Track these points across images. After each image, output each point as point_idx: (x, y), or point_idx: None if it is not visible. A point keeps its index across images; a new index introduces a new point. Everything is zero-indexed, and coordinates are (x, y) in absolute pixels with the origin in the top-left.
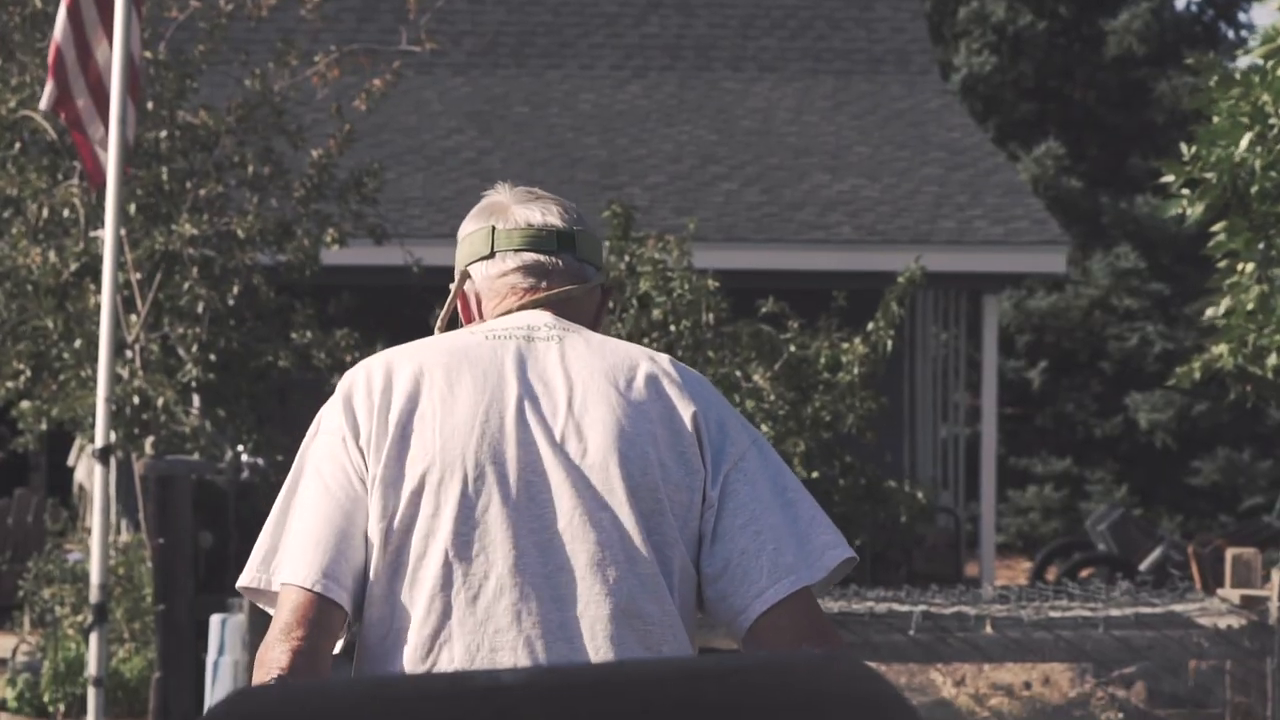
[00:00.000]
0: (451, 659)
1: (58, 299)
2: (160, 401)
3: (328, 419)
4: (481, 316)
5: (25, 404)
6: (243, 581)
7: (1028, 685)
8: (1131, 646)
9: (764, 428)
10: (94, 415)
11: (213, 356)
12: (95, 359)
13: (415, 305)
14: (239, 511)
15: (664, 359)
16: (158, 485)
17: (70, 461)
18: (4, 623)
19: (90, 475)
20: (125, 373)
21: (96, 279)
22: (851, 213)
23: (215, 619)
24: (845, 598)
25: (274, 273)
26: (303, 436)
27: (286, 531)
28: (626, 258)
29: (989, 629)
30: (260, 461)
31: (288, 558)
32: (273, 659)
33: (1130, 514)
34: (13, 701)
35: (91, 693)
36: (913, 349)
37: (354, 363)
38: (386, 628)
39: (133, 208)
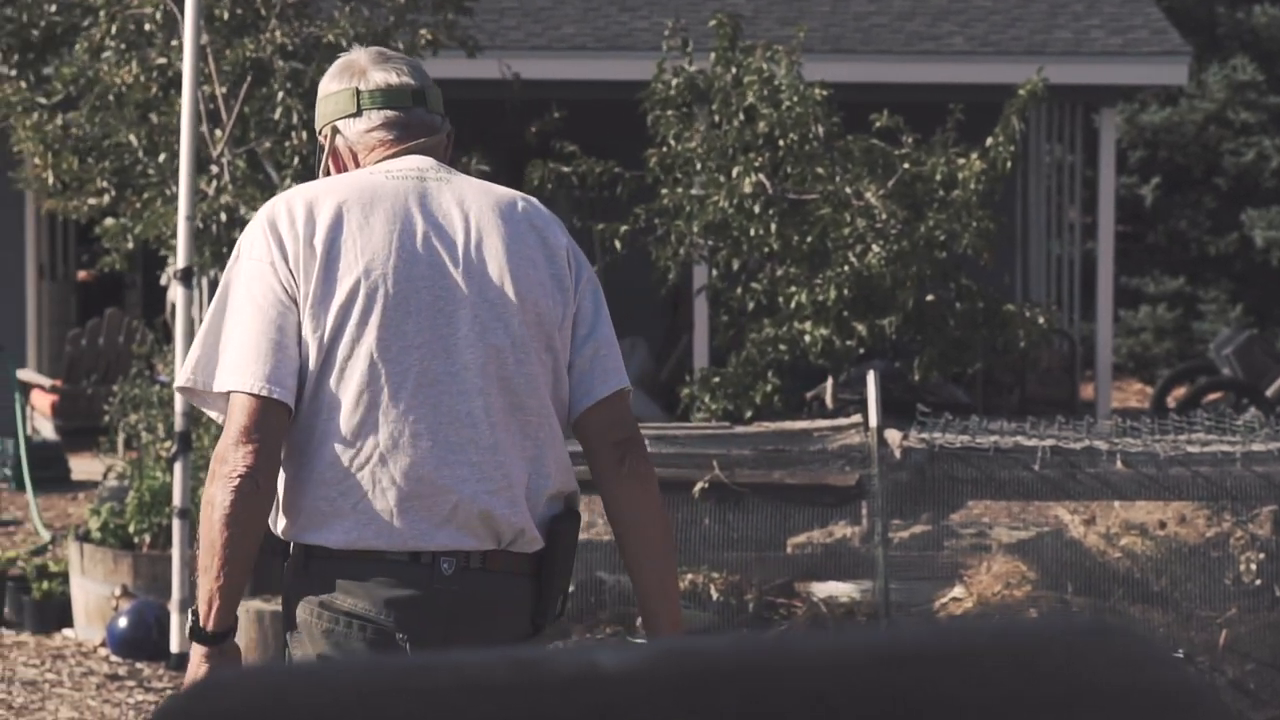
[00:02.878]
0: (377, 444)
1: (140, 112)
2: (250, 216)
3: (251, 246)
4: (357, 165)
5: (109, 221)
6: (179, 382)
7: (1162, 524)
8: (1275, 483)
9: (875, 248)
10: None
11: (303, 172)
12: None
13: (511, 119)
14: None
15: (533, 200)
16: None
17: (163, 281)
18: (92, 446)
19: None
20: (210, 189)
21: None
22: (963, 22)
23: None
24: (968, 431)
25: None
26: None
27: (224, 343)
28: (733, 69)
29: (1120, 464)
30: None
31: (231, 367)
32: (236, 460)
33: (1257, 337)
34: (96, 532)
35: (176, 524)
36: (1025, 164)
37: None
38: (315, 420)
39: (224, 14)
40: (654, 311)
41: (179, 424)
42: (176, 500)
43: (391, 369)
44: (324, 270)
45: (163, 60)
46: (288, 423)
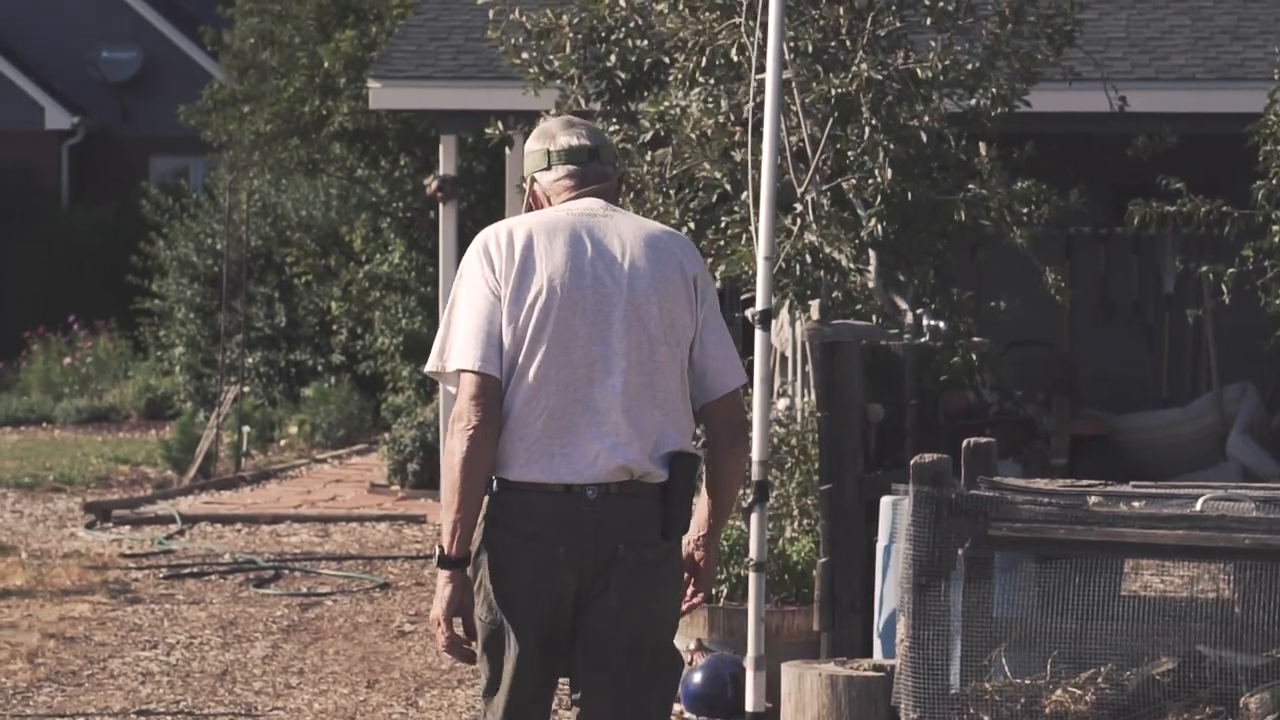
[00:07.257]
0: (548, 403)
1: (723, 149)
2: (836, 256)
3: (470, 265)
4: (550, 204)
5: None
6: (427, 369)
7: None
8: None
9: None
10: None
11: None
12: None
13: (1113, 155)
14: (918, 380)
15: (675, 233)
16: (823, 352)
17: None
18: None
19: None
20: (794, 228)
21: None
22: None
23: (886, 501)
24: None
25: (960, 120)
26: (990, 298)
27: (453, 335)
28: None
29: None
30: (942, 325)
31: (459, 353)
32: (469, 417)
33: None
34: None
35: (752, 578)
36: None
37: (1034, 215)
38: (509, 388)
39: (809, 45)
40: (1267, 356)
41: (756, 473)
42: (753, 553)
43: (561, 353)
44: (519, 279)
45: (747, 95)
46: (500, 389)
